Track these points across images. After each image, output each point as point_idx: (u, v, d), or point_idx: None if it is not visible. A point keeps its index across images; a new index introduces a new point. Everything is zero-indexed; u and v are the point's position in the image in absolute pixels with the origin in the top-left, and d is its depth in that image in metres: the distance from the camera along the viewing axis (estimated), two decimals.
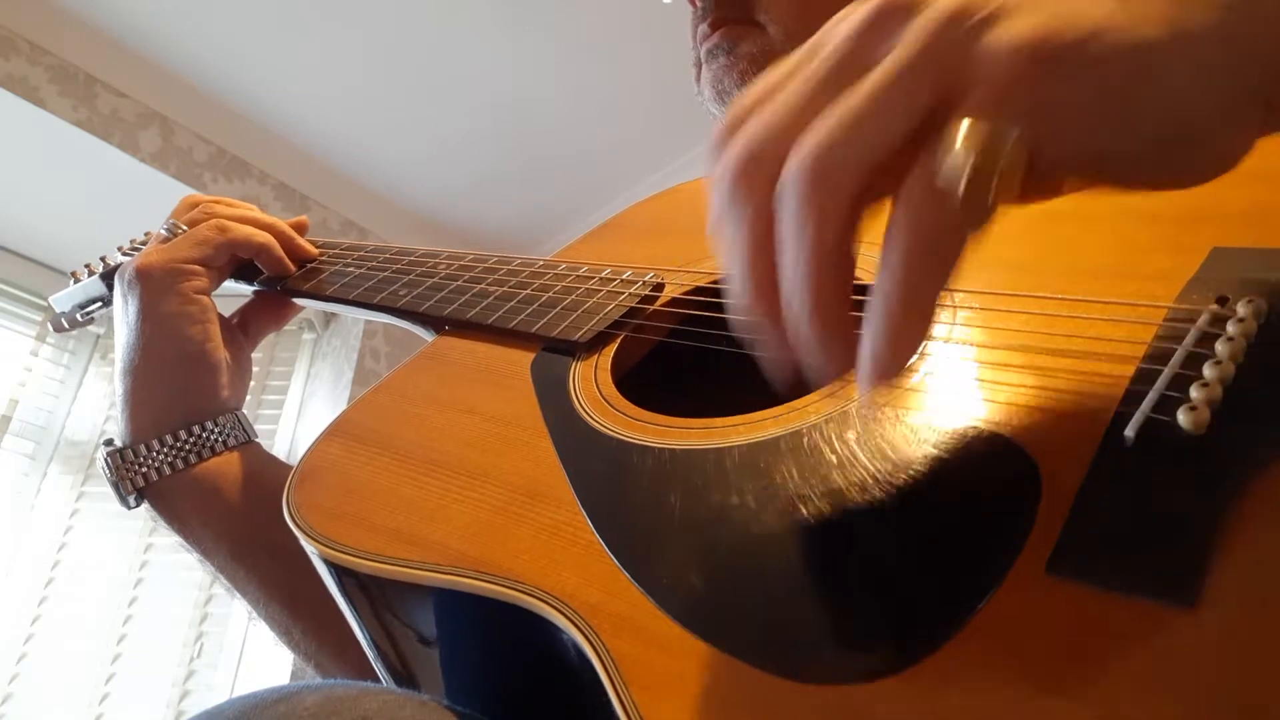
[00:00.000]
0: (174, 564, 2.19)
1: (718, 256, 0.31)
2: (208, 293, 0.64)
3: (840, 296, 0.28)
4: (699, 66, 0.70)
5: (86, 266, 0.86)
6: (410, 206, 2.61)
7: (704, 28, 0.68)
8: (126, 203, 2.24)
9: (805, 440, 0.35)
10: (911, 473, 0.33)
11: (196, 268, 0.64)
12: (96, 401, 2.35)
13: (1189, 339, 0.32)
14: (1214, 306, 0.33)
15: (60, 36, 2.01)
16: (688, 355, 0.50)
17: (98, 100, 2.07)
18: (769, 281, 0.29)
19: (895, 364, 0.27)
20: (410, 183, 2.52)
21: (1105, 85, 0.26)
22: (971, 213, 0.26)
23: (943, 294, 0.27)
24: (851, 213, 0.28)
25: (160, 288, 0.62)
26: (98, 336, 2.43)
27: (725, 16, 0.67)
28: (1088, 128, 0.26)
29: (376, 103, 2.25)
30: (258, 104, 2.25)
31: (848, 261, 0.28)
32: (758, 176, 0.28)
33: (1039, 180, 0.27)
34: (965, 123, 0.25)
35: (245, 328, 0.71)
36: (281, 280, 0.67)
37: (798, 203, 0.27)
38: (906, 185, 0.26)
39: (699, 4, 0.69)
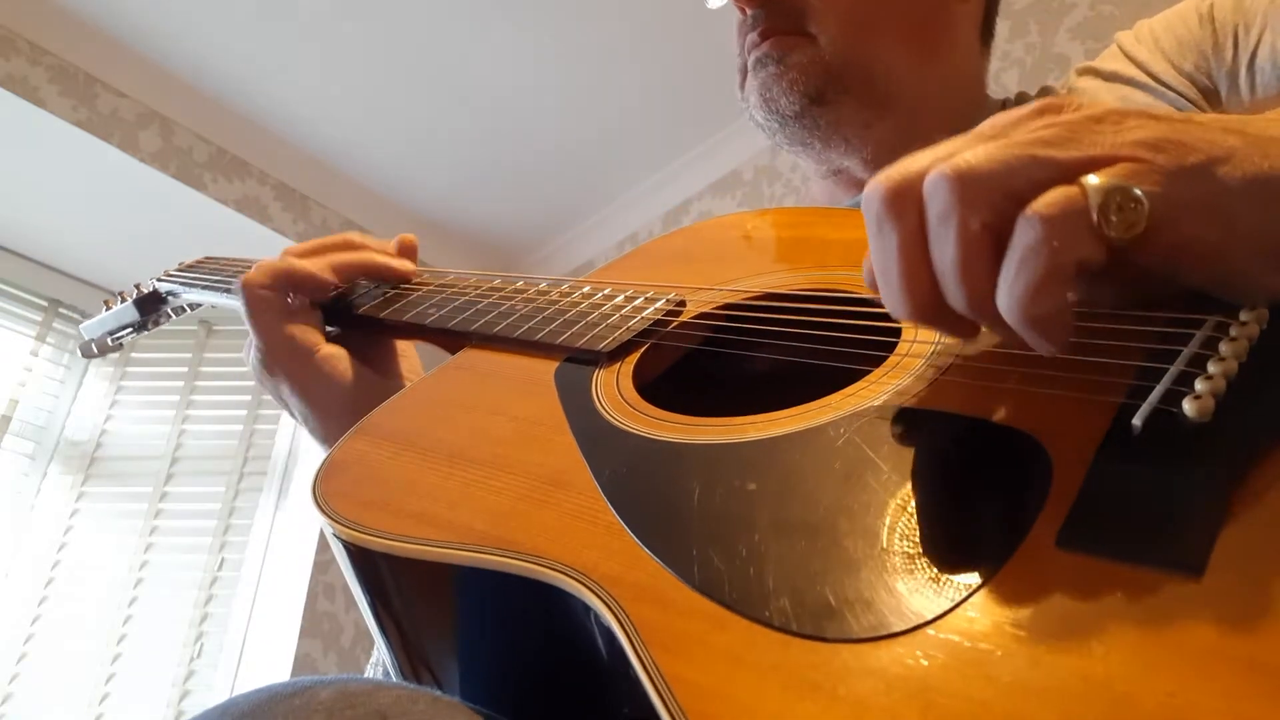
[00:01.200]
0: (174, 564, 2.19)
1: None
2: (324, 353, 0.64)
3: (986, 273, 0.32)
4: (744, 74, 0.71)
5: (120, 294, 0.88)
6: (410, 206, 2.61)
7: (753, 36, 0.69)
8: (126, 203, 2.24)
9: (821, 434, 0.36)
10: (924, 463, 0.34)
11: (301, 343, 0.63)
12: (96, 401, 2.35)
13: (1194, 341, 0.33)
14: (1218, 315, 0.34)
15: (60, 36, 2.01)
16: (708, 372, 0.52)
17: (98, 100, 2.07)
18: (922, 272, 0.34)
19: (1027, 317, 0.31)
20: (410, 183, 2.53)
21: (1229, 195, 0.32)
22: (1089, 236, 0.30)
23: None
24: (989, 215, 0.32)
25: (280, 382, 0.64)
26: None
27: (775, 27, 0.68)
28: (1209, 224, 0.32)
29: (377, 103, 2.25)
30: (258, 104, 2.25)
31: (990, 249, 0.32)
32: (911, 193, 0.33)
33: (1140, 254, 0.32)
34: (1103, 173, 0.31)
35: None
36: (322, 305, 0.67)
37: (944, 197, 0.32)
38: (1044, 195, 0.31)
39: (748, 12, 0.69)
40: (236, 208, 2.28)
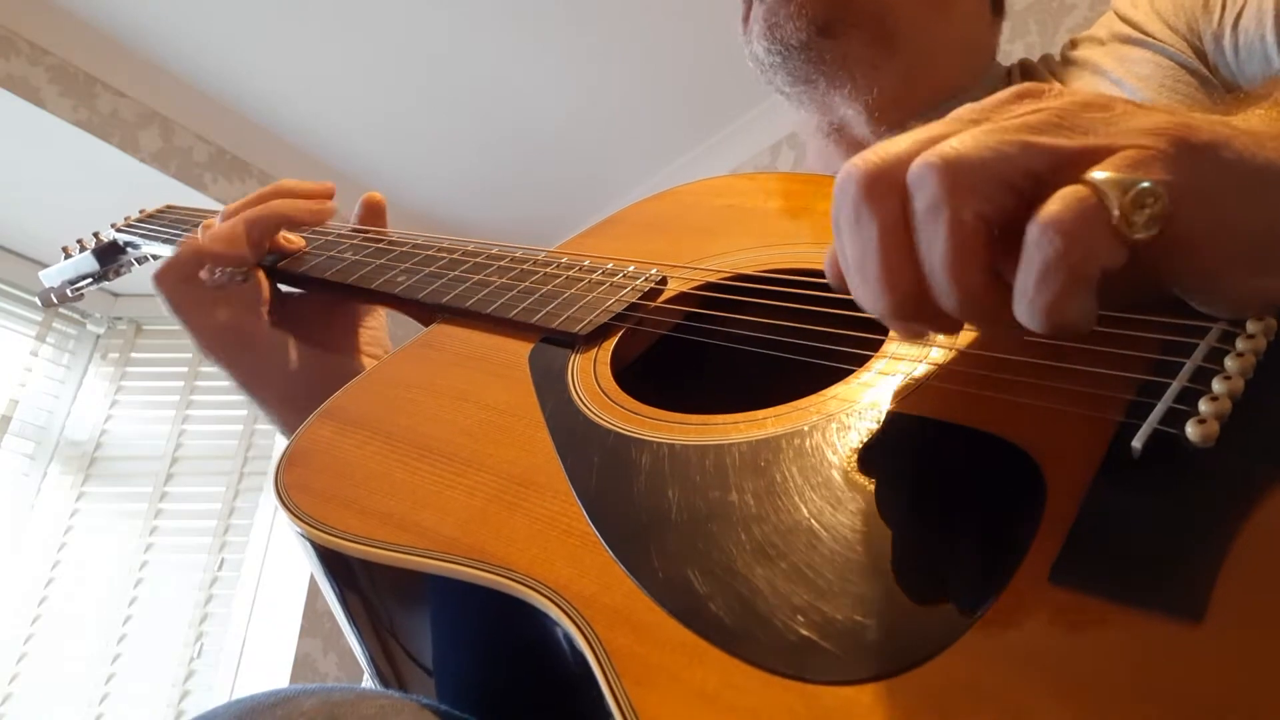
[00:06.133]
0: (174, 564, 2.19)
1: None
2: (262, 341, 0.62)
3: (980, 269, 0.30)
4: (749, 4, 0.70)
5: (79, 242, 0.84)
6: (411, 207, 2.61)
7: None
8: (127, 203, 2.23)
9: (807, 440, 0.35)
10: (913, 477, 0.33)
11: (233, 334, 0.61)
12: (96, 401, 2.35)
13: (1198, 353, 0.31)
14: (1224, 324, 0.33)
15: (60, 36, 2.01)
16: (688, 352, 0.50)
17: (98, 100, 2.07)
18: (905, 267, 0.31)
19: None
20: (411, 184, 2.52)
21: (1225, 183, 0.30)
22: (1112, 241, 0.28)
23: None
24: (983, 206, 0.29)
25: (222, 371, 0.63)
26: (98, 336, 2.43)
27: None
28: (1202, 213, 0.29)
29: (377, 104, 2.25)
30: (258, 104, 2.25)
31: (984, 243, 0.30)
32: (893, 178, 0.30)
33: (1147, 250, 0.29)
34: (1109, 166, 0.28)
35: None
36: (274, 265, 0.64)
37: (932, 187, 0.29)
38: (1054, 200, 0.28)
39: None
40: None
